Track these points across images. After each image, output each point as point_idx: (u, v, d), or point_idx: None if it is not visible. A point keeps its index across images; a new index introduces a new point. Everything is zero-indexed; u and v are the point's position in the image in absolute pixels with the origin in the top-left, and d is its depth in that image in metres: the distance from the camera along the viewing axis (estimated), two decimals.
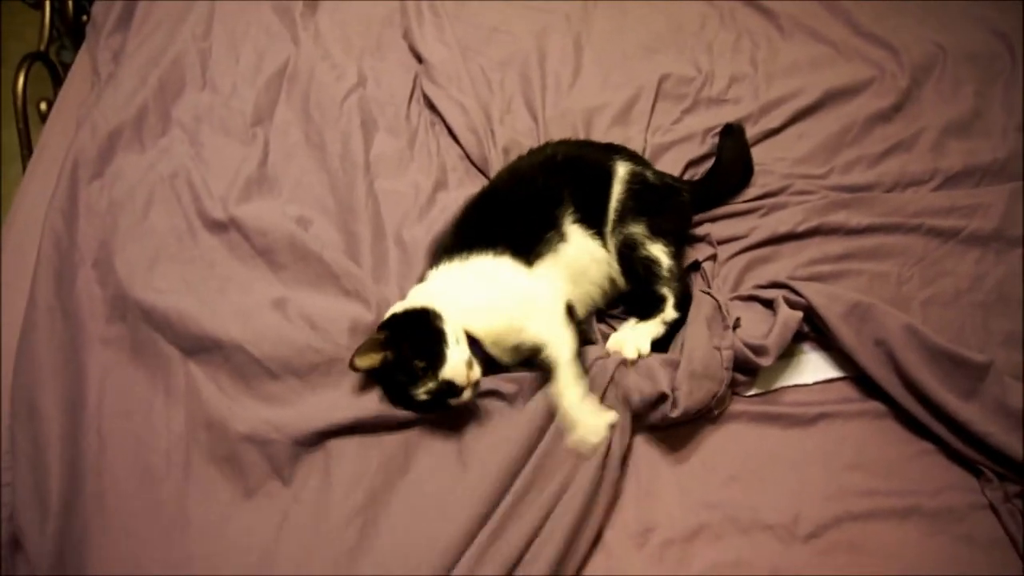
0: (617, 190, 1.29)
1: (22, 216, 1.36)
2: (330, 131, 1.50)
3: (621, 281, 1.28)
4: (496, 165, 1.48)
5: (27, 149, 1.66)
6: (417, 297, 1.18)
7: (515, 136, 1.53)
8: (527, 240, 1.22)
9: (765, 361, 1.15)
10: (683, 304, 1.22)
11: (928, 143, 1.58)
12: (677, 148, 1.54)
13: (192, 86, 1.55)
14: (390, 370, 1.09)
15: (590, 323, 1.26)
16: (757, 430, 1.15)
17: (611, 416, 1.06)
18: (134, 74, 1.54)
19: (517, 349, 1.16)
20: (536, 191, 1.27)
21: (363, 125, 1.53)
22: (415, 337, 1.08)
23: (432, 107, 1.60)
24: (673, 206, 1.35)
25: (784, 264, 1.34)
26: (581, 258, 1.25)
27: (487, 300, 1.17)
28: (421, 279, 1.27)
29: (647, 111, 1.61)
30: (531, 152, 1.40)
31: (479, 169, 1.52)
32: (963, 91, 1.68)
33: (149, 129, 1.46)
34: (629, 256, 1.24)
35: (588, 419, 1.06)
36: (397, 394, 1.09)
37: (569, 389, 1.07)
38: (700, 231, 1.41)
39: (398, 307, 1.16)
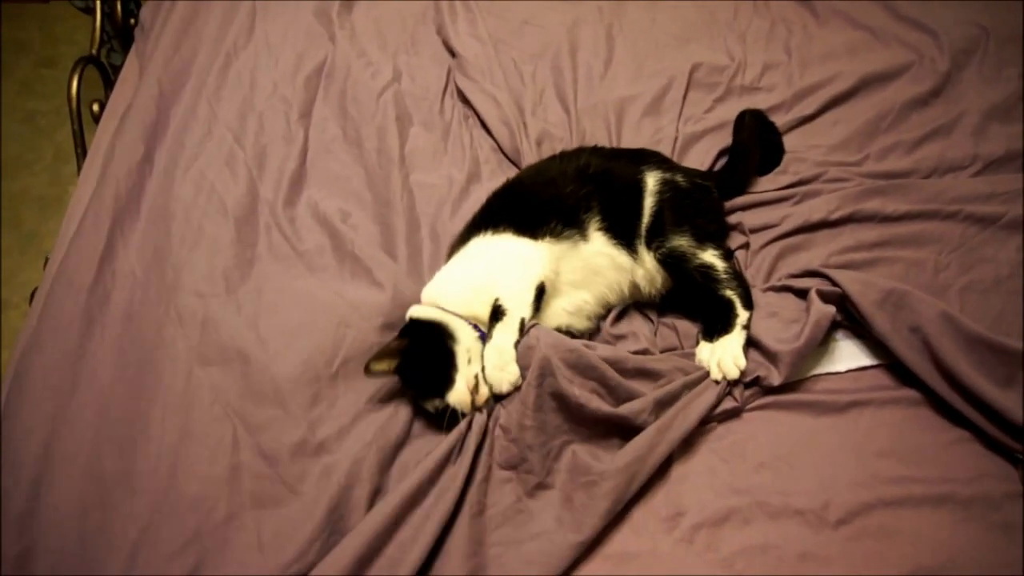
0: (648, 203, 1.29)
1: (79, 212, 1.44)
2: (366, 126, 1.55)
3: (650, 288, 1.29)
4: (528, 157, 1.50)
5: (81, 148, 1.73)
6: (427, 297, 1.23)
7: (547, 128, 1.55)
8: (537, 221, 1.24)
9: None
10: (749, 301, 1.23)
11: (968, 128, 1.54)
12: (709, 137, 1.55)
13: (235, 86, 1.61)
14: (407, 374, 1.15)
15: (596, 320, 1.29)
16: (788, 417, 1.16)
17: (515, 378, 1.09)
18: (176, 77, 1.60)
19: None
20: (563, 195, 1.28)
21: (398, 120, 1.57)
22: (426, 357, 1.14)
23: (465, 100, 1.63)
24: (708, 206, 1.35)
25: (817, 252, 1.33)
26: (599, 260, 1.26)
27: (479, 276, 1.21)
28: None
29: (679, 100, 1.62)
30: (564, 156, 1.40)
31: (512, 161, 1.54)
32: (1006, 74, 1.64)
33: (194, 131, 1.52)
34: (681, 268, 1.25)
35: (497, 371, 1.10)
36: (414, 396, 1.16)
37: (500, 335, 1.12)
38: (732, 219, 1.41)
39: (415, 311, 1.20)
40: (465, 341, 1.15)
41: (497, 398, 1.11)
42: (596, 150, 1.42)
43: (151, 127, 1.50)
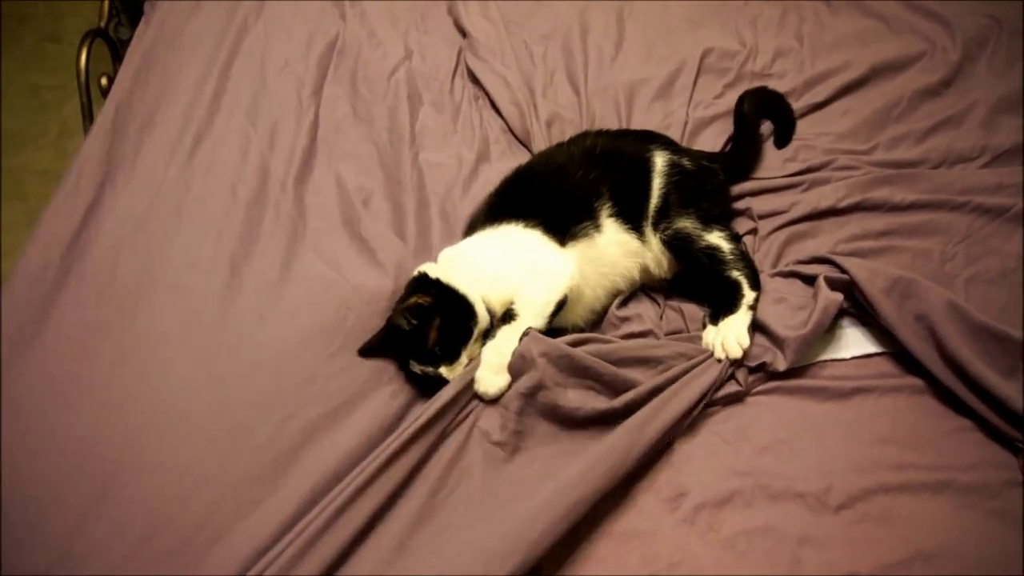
0: (657, 184, 1.29)
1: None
2: (377, 105, 1.55)
3: (659, 270, 1.30)
4: (538, 138, 1.50)
5: (90, 122, 1.72)
6: (446, 261, 1.23)
7: (557, 109, 1.55)
8: (562, 223, 1.25)
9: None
10: (757, 282, 1.23)
11: (978, 119, 1.54)
12: (719, 122, 1.55)
13: (246, 61, 1.60)
14: (404, 333, 1.14)
15: (602, 311, 1.29)
16: (792, 402, 1.16)
17: (504, 385, 1.10)
18: (190, 54, 1.59)
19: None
20: (575, 182, 1.29)
21: (409, 99, 1.57)
22: (449, 328, 1.14)
23: (476, 81, 1.63)
24: (715, 189, 1.35)
25: (825, 239, 1.34)
26: (612, 250, 1.27)
27: (506, 270, 1.21)
28: None
29: (689, 85, 1.61)
30: (571, 141, 1.40)
31: (521, 142, 1.54)
32: (1017, 66, 1.63)
33: (202, 104, 1.51)
34: (687, 250, 1.25)
35: (491, 374, 1.11)
36: (398, 348, 1.16)
37: (504, 339, 1.13)
38: (741, 205, 1.42)
39: (441, 274, 1.19)
40: (481, 324, 1.17)
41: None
42: (601, 132, 1.41)
43: (156, 97, 1.50)
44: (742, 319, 1.19)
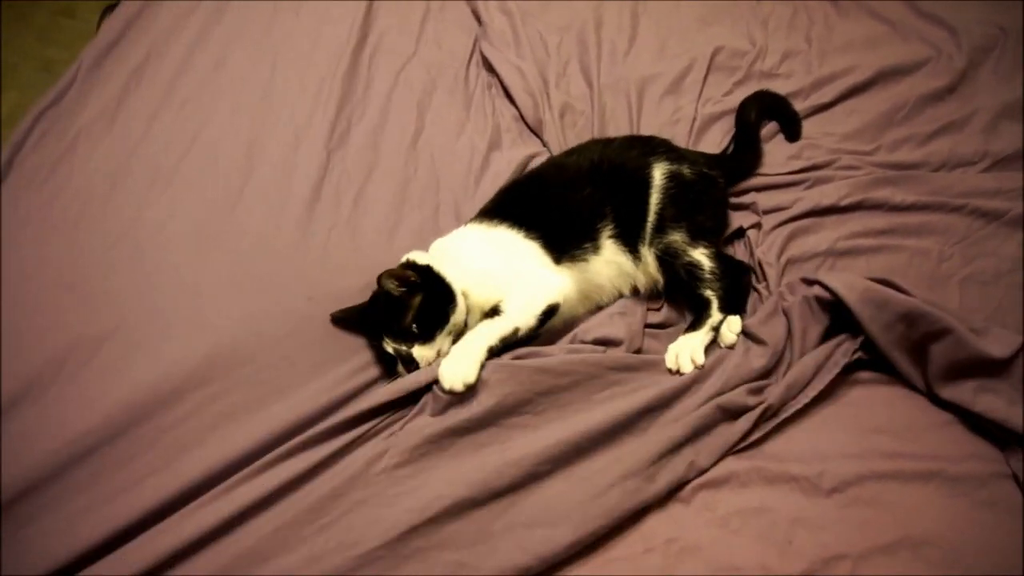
0: (655, 200, 1.30)
1: None
2: (392, 88, 1.56)
3: (648, 287, 1.32)
4: (551, 127, 1.53)
5: None
6: (435, 252, 1.25)
7: (569, 100, 1.58)
8: (562, 243, 1.26)
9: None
10: (729, 304, 1.25)
11: (980, 125, 1.58)
12: (727, 119, 1.58)
13: (261, 39, 1.61)
14: (385, 306, 1.16)
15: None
16: None
17: (469, 381, 1.07)
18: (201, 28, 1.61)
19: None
20: (580, 200, 1.29)
21: (423, 85, 1.59)
22: (428, 309, 1.16)
23: (490, 69, 1.66)
24: (711, 200, 1.36)
25: (826, 236, 1.37)
26: (605, 271, 1.29)
27: (494, 270, 1.22)
28: None
29: (699, 82, 1.64)
30: (581, 150, 1.40)
31: (533, 131, 1.57)
32: (1020, 74, 1.66)
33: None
34: (671, 264, 1.27)
35: (455, 364, 1.08)
36: (373, 324, 1.18)
37: (482, 334, 1.13)
38: (746, 199, 1.45)
39: (430, 260, 1.21)
40: (459, 313, 1.19)
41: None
42: (610, 143, 1.40)
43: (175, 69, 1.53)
44: (701, 338, 1.21)
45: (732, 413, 1.11)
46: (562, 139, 1.53)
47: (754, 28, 1.78)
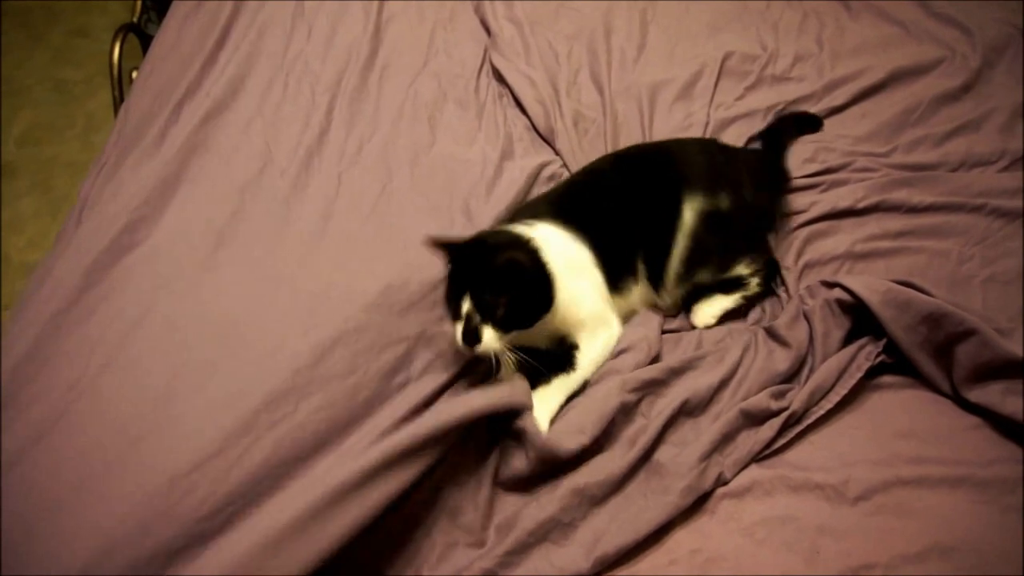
0: (681, 246, 1.24)
1: None
2: (403, 102, 1.57)
3: (669, 308, 1.31)
4: (563, 136, 1.53)
5: None
6: (546, 241, 1.14)
7: (580, 108, 1.58)
8: (614, 270, 1.22)
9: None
10: (769, 278, 1.26)
11: (997, 124, 1.57)
12: (739, 124, 1.58)
13: (270, 53, 1.62)
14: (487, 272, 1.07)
15: None
16: None
17: (543, 430, 1.05)
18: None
19: (549, 337, 1.18)
20: (622, 232, 1.24)
21: (433, 96, 1.59)
22: (523, 301, 1.07)
23: (500, 79, 1.66)
24: (749, 225, 1.30)
25: (843, 238, 1.36)
26: (636, 304, 1.26)
27: (585, 299, 1.17)
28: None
29: (711, 87, 1.64)
30: (621, 161, 1.33)
31: (545, 140, 1.57)
32: None
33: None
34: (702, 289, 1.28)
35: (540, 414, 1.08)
36: (464, 276, 1.09)
37: (556, 390, 1.12)
38: None
39: (541, 245, 1.11)
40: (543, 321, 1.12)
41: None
42: (647, 163, 1.31)
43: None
44: (726, 302, 1.25)
45: (756, 418, 1.10)
46: (576, 147, 1.53)
47: (764, 32, 1.78)
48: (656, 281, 1.26)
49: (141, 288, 1.17)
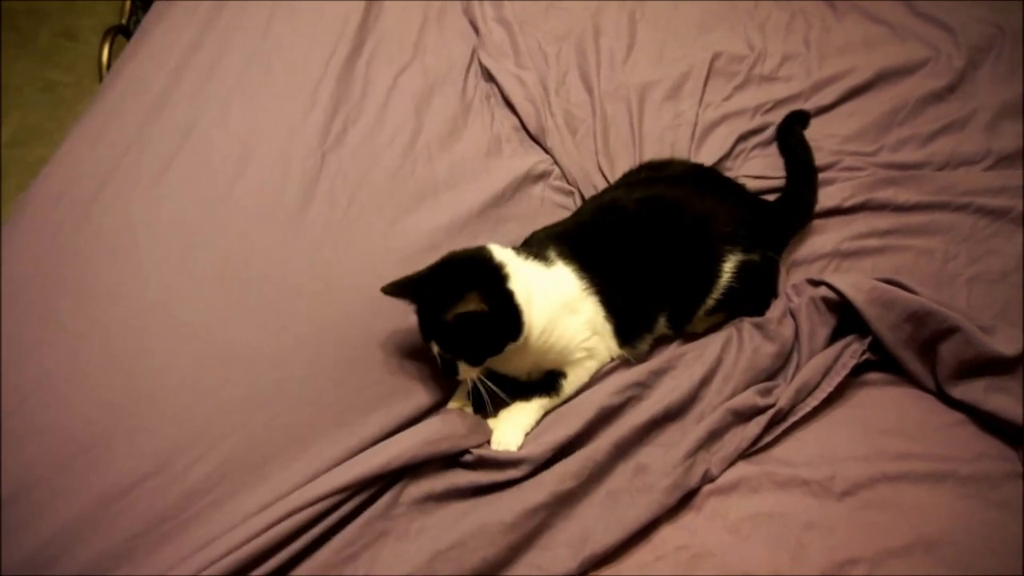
0: (716, 293, 1.21)
1: None
2: (389, 93, 1.54)
3: None
4: (554, 135, 1.52)
5: None
6: (524, 278, 1.09)
7: (570, 108, 1.58)
8: (629, 329, 1.19)
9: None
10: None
11: (982, 124, 1.58)
12: (727, 123, 1.58)
13: (257, 42, 1.59)
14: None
15: None
16: None
17: (516, 444, 1.07)
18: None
19: (533, 367, 1.16)
20: (646, 286, 1.19)
21: (420, 92, 1.58)
22: (489, 333, 1.06)
23: (489, 79, 1.66)
24: (769, 279, 1.30)
25: (830, 237, 1.37)
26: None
27: (575, 345, 1.14)
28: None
29: (699, 87, 1.64)
30: (646, 208, 1.23)
31: (535, 139, 1.56)
32: (1020, 73, 1.67)
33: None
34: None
35: (508, 430, 1.09)
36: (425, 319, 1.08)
37: (534, 406, 1.12)
38: None
39: (514, 285, 1.07)
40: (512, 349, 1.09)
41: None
42: (675, 207, 1.23)
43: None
44: None
45: (743, 416, 1.11)
46: (569, 146, 1.52)
47: (752, 32, 1.79)
48: (675, 327, 1.24)
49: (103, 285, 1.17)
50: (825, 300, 1.20)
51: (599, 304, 1.15)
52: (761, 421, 1.10)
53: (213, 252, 1.22)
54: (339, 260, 1.25)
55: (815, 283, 1.23)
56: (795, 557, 1.01)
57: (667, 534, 1.04)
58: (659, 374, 1.16)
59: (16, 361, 1.07)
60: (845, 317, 1.20)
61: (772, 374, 1.16)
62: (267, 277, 1.20)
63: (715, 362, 1.16)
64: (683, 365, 1.17)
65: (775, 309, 1.24)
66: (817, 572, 0.99)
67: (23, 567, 0.92)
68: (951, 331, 1.13)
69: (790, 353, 1.19)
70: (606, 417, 1.09)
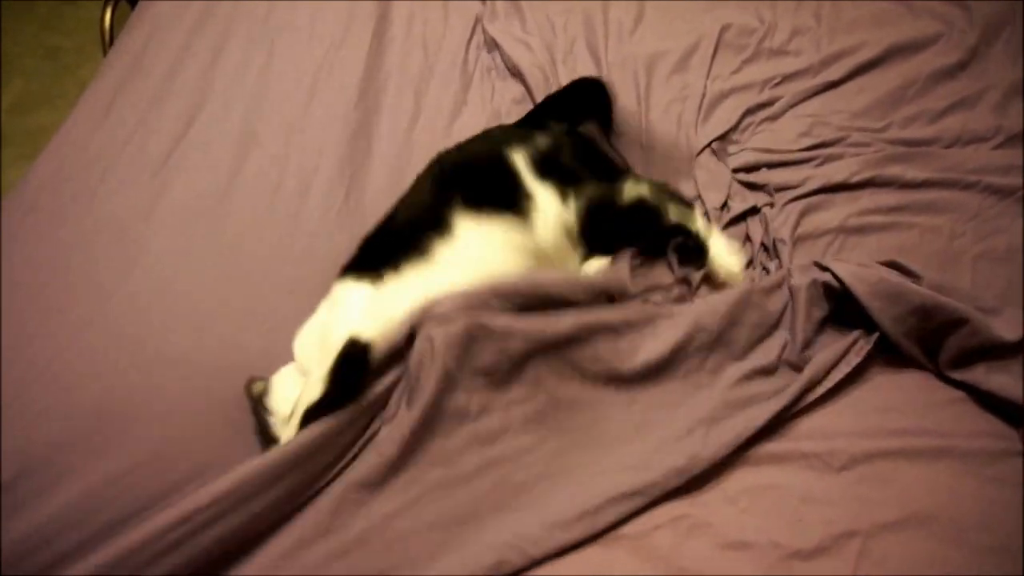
0: None
1: None
2: (388, 74, 1.55)
3: None
4: None
5: None
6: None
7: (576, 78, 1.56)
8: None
9: None
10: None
11: (992, 101, 1.56)
12: (735, 96, 1.57)
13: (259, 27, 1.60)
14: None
15: None
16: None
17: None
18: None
19: None
20: None
21: (420, 70, 1.57)
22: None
23: (493, 47, 1.64)
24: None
25: (837, 213, 1.36)
26: None
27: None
28: None
29: (707, 59, 1.63)
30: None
31: None
32: None
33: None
34: None
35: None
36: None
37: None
38: (759, 179, 1.44)
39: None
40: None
41: None
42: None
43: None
44: None
45: (743, 405, 1.12)
46: None
47: (762, 6, 1.76)
48: None
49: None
50: (826, 285, 1.19)
51: None
52: (763, 415, 1.10)
53: (216, 241, 1.23)
54: (339, 250, 1.25)
55: (821, 268, 1.22)
56: (792, 529, 1.01)
57: (665, 504, 1.04)
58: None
59: (19, 346, 1.07)
60: (846, 302, 1.19)
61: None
62: (268, 270, 1.22)
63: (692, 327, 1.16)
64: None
65: (772, 279, 1.23)
66: (814, 543, 0.99)
67: (24, 545, 0.91)
68: (959, 323, 1.12)
69: (775, 324, 1.19)
70: None
